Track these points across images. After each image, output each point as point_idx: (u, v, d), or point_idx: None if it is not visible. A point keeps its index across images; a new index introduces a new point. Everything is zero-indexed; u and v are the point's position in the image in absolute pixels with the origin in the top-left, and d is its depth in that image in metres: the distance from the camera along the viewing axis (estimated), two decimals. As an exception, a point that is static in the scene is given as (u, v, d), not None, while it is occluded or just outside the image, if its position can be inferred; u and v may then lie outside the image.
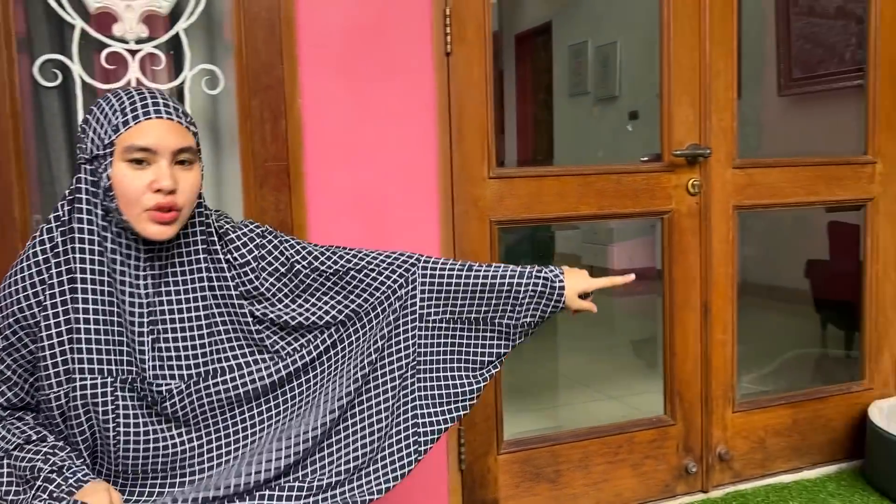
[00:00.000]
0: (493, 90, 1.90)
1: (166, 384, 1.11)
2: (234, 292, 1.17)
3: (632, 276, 1.37)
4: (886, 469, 2.14)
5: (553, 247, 5.65)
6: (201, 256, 1.15)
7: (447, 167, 1.87)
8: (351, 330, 1.26)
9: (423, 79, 1.83)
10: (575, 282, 1.31)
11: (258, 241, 1.21)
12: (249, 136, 1.71)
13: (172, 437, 1.13)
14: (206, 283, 1.15)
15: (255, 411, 1.19)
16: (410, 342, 1.28)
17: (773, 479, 2.25)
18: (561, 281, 1.29)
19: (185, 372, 1.13)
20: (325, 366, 1.24)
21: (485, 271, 1.29)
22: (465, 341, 1.31)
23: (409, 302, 1.28)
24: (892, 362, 2.39)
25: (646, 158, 2.20)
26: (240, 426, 1.18)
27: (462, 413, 1.31)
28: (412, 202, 1.85)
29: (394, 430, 1.25)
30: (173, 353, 1.12)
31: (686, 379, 2.14)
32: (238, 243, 1.19)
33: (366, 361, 1.24)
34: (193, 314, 1.14)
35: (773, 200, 2.21)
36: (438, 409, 1.29)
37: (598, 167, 2.05)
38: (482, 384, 1.31)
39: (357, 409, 1.23)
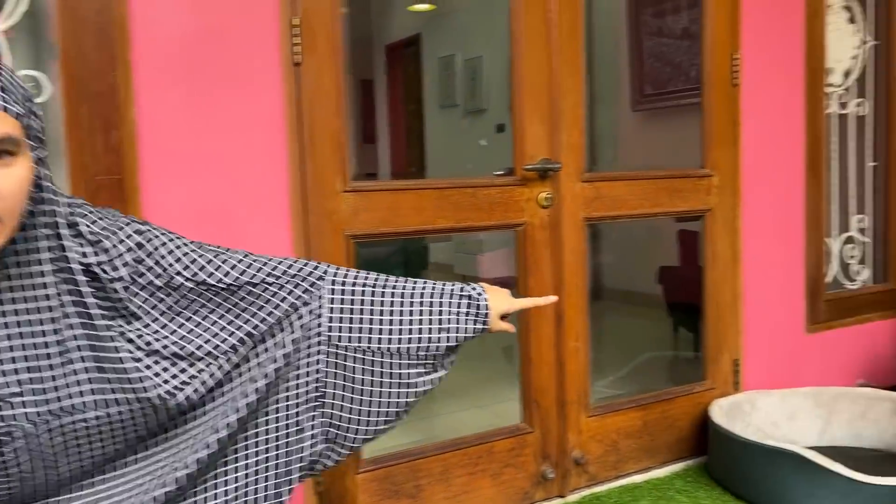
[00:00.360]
0: (346, 101, 1.86)
1: (5, 426, 0.91)
2: (98, 311, 0.96)
3: (554, 298, 1.33)
4: (725, 464, 2.28)
5: (427, 257, 5.72)
6: (48, 268, 0.92)
7: (299, 180, 1.82)
8: (242, 358, 1.08)
9: (271, 89, 1.77)
10: (498, 302, 1.21)
11: (137, 252, 1.00)
12: (79, 147, 1.59)
13: (11, 485, 0.95)
14: (56, 302, 0.93)
15: (128, 451, 1.02)
16: (312, 369, 1.12)
17: (626, 479, 2.34)
18: (485, 300, 1.19)
19: (30, 409, 0.92)
20: (209, 407, 1.06)
21: (402, 288, 1.17)
22: (382, 377, 1.15)
23: (312, 322, 1.12)
24: (731, 362, 2.56)
25: (500, 172, 2.24)
26: (107, 474, 1.01)
27: (357, 449, 1.20)
28: (261, 216, 1.78)
29: (282, 461, 1.12)
30: (14, 389, 0.91)
31: (542, 387, 2.20)
32: (113, 252, 0.98)
33: (252, 388, 1.07)
34: (38, 339, 0.92)
35: (620, 212, 2.32)
36: (338, 442, 1.16)
37: (454, 181, 2.06)
38: (395, 424, 1.19)
39: (241, 444, 1.08)
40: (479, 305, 1.19)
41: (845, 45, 2.88)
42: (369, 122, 7.18)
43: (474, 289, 1.21)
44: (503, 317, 1.23)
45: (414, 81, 6.55)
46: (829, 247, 2.90)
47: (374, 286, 1.17)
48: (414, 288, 1.18)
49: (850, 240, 2.97)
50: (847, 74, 2.89)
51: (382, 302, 1.15)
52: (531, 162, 2.14)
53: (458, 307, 1.19)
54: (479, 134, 5.68)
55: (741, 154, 2.52)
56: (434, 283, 1.20)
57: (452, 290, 1.20)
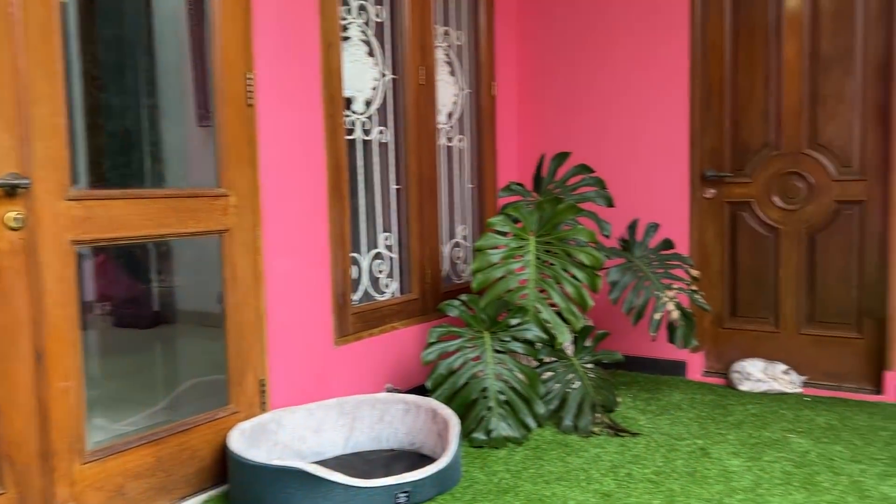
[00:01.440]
0: None
1: None
2: None
3: None
4: (242, 489, 2.23)
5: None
6: None
7: None
8: None
9: None
10: None
11: None
12: None
13: None
14: None
15: None
16: None
17: (136, 524, 2.15)
18: None
19: None
20: None
21: None
22: None
23: None
24: (257, 383, 2.55)
25: (-49, 188, 1.88)
26: None
27: None
28: None
29: None
30: None
31: (17, 439, 1.89)
32: None
33: None
34: None
35: (119, 234, 2.12)
36: None
37: None
38: None
39: None
40: None
41: (366, 76, 3.11)
42: None
43: None
44: None
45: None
46: (359, 263, 3.10)
47: None
48: None
49: (378, 256, 3.21)
50: (368, 104, 3.13)
51: None
52: (-8, 177, 1.83)
53: None
54: None
55: (260, 174, 2.53)
56: None
57: None
